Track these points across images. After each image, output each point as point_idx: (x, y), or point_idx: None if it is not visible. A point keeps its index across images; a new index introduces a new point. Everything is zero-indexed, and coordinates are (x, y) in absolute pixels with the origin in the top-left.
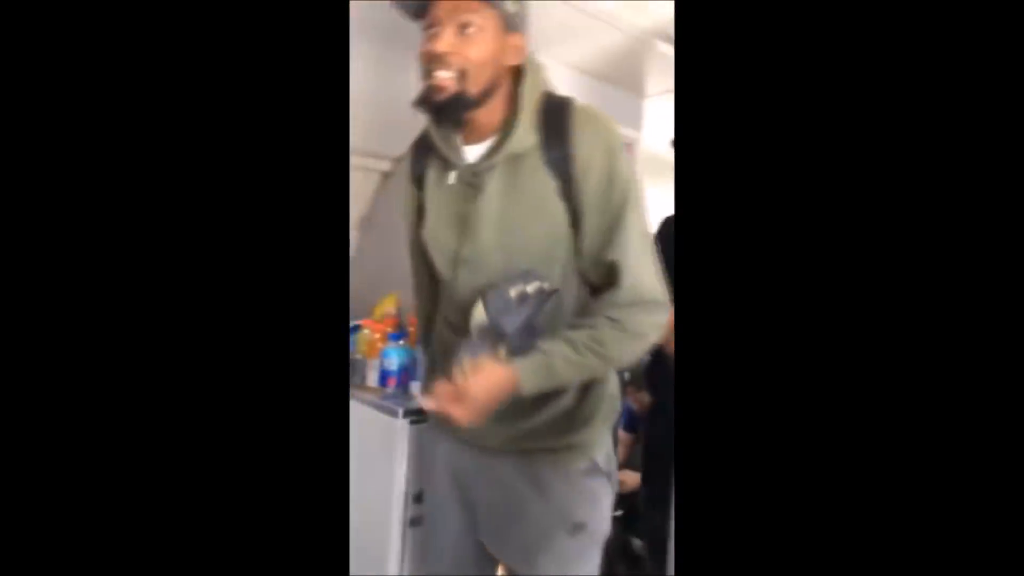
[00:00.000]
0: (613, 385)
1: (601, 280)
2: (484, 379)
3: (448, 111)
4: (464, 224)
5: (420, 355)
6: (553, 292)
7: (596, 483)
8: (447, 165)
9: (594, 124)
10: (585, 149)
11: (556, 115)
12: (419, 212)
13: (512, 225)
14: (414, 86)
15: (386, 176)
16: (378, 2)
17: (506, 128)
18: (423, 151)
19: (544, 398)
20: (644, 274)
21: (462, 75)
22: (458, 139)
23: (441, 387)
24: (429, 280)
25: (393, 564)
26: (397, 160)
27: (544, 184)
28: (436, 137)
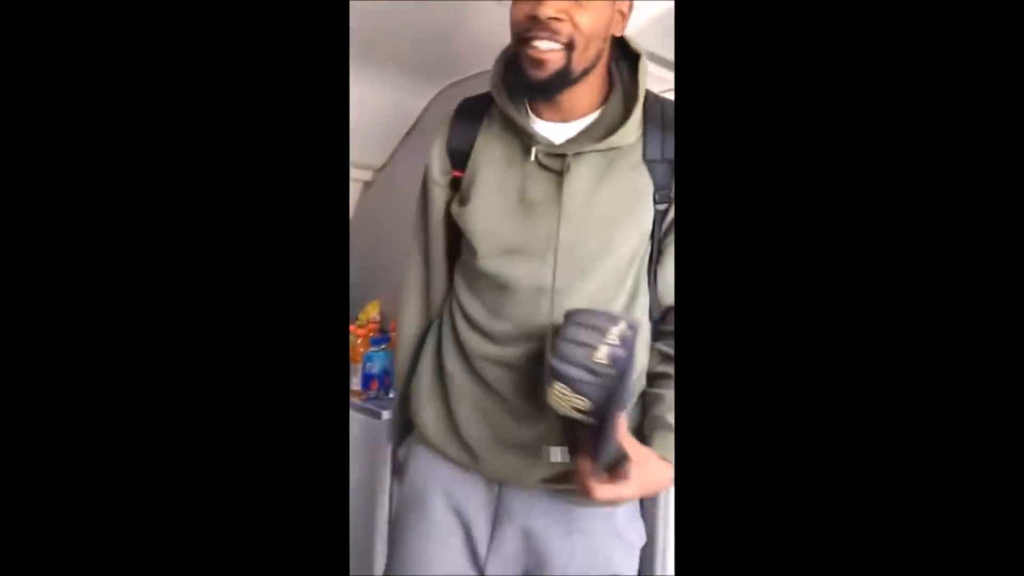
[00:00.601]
0: None
1: None
2: (651, 481)
3: (545, 90)
4: (534, 211)
5: None
6: (638, 329)
7: (634, 529)
8: (524, 141)
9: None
10: None
11: (659, 112)
12: (452, 187)
13: (597, 222)
14: (392, 97)
15: (367, 185)
16: (355, 12)
17: (605, 111)
18: (471, 119)
19: None
20: None
21: (570, 47)
22: (528, 111)
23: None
24: (445, 267)
25: (379, 564)
26: (378, 170)
27: (642, 184)
28: (510, 108)
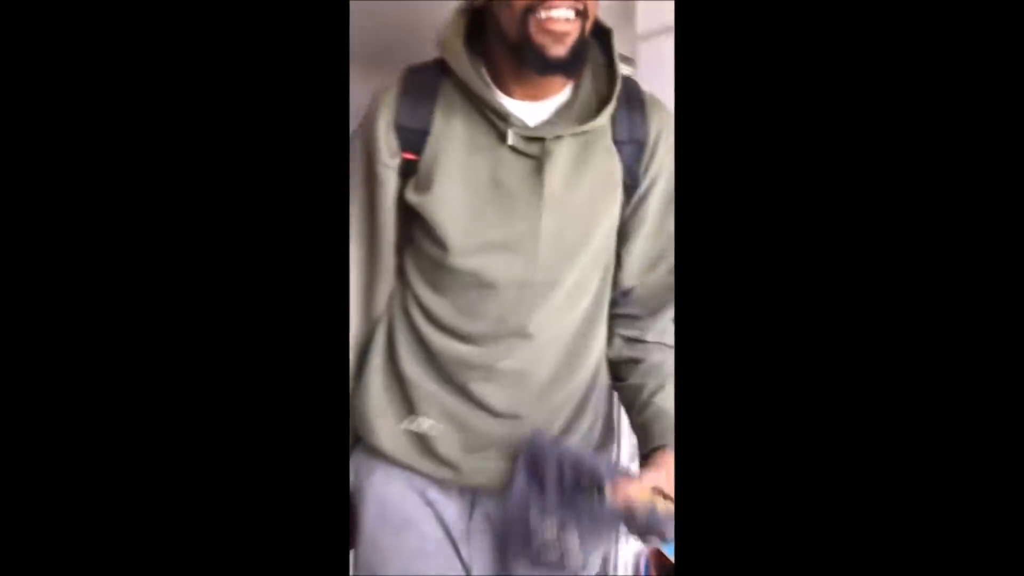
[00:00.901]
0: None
1: (647, 310)
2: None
3: (564, 68)
4: (511, 200)
5: None
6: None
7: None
8: (494, 122)
9: (668, 121)
10: (662, 148)
11: (624, 92)
12: (403, 171)
13: (577, 209)
14: (354, 89)
15: None
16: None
17: (577, 90)
18: (422, 94)
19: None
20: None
21: (583, 14)
22: (494, 87)
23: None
24: (394, 261)
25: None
26: None
27: (615, 166)
28: (478, 84)
